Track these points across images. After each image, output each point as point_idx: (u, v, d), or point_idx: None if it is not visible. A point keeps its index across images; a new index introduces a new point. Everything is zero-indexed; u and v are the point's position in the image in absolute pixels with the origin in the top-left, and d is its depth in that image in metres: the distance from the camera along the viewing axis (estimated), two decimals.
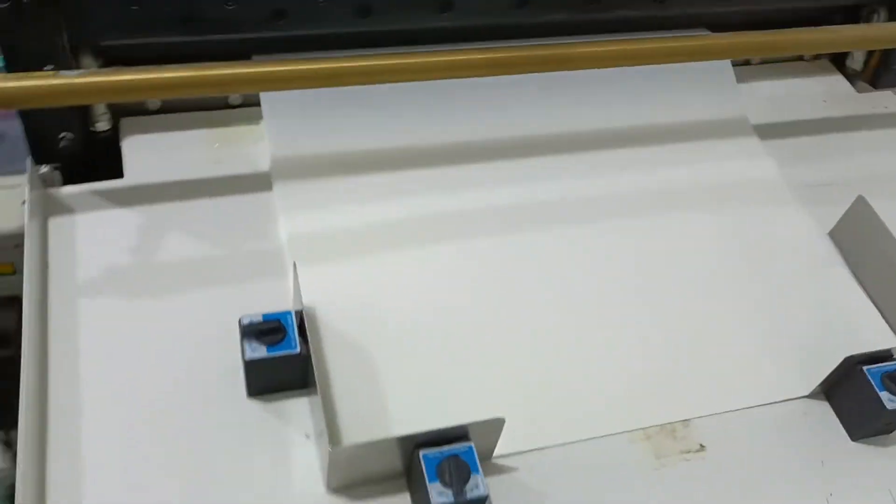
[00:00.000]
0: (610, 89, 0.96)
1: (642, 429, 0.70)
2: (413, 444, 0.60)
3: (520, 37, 0.91)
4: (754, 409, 0.73)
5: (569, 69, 0.81)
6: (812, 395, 0.74)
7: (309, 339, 0.64)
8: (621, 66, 0.82)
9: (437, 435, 0.60)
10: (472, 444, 0.60)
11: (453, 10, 0.87)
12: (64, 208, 0.78)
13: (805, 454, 0.70)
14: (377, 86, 0.80)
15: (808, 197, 0.91)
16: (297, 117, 0.86)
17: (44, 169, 0.79)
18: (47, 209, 0.77)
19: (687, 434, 0.70)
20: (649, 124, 0.95)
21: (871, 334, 0.80)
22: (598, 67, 0.81)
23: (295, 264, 0.68)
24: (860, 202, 0.83)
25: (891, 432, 0.73)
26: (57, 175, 0.80)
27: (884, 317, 0.81)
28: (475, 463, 0.59)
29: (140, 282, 0.74)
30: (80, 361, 0.67)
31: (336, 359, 0.70)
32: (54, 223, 0.76)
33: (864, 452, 0.72)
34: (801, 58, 1.11)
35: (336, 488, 0.62)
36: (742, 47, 0.87)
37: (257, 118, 0.87)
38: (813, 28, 0.90)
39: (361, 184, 0.83)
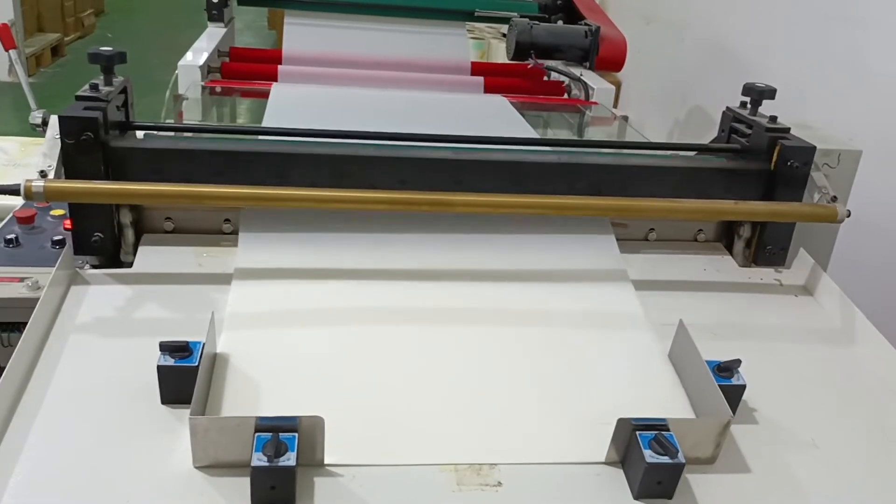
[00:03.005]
0: (526, 239, 1.24)
1: (454, 464, 0.88)
2: (253, 428, 0.82)
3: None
4: (556, 465, 0.89)
5: (451, 211, 1.10)
6: (610, 463, 0.90)
7: (202, 356, 0.89)
8: (488, 213, 1.11)
9: (271, 422, 0.82)
10: (297, 435, 0.81)
11: None
12: (85, 281, 1.10)
13: (585, 499, 0.86)
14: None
15: (666, 334, 1.10)
16: (261, 243, 1.18)
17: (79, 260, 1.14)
18: (73, 280, 1.10)
19: (491, 473, 0.87)
20: (545, 267, 1.21)
21: None
22: (475, 212, 1.10)
23: (213, 314, 0.96)
24: (681, 326, 1.02)
25: (671, 496, 0.87)
26: (88, 265, 1.14)
27: (694, 411, 0.97)
28: (293, 446, 0.80)
29: (119, 329, 1.03)
30: (56, 370, 0.95)
31: (232, 384, 0.94)
32: (74, 289, 1.08)
33: None
34: (695, 239, 1.35)
35: (200, 466, 0.84)
36: (598, 208, 1.13)
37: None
38: (660, 199, 1.16)
39: (291, 289, 1.12)
